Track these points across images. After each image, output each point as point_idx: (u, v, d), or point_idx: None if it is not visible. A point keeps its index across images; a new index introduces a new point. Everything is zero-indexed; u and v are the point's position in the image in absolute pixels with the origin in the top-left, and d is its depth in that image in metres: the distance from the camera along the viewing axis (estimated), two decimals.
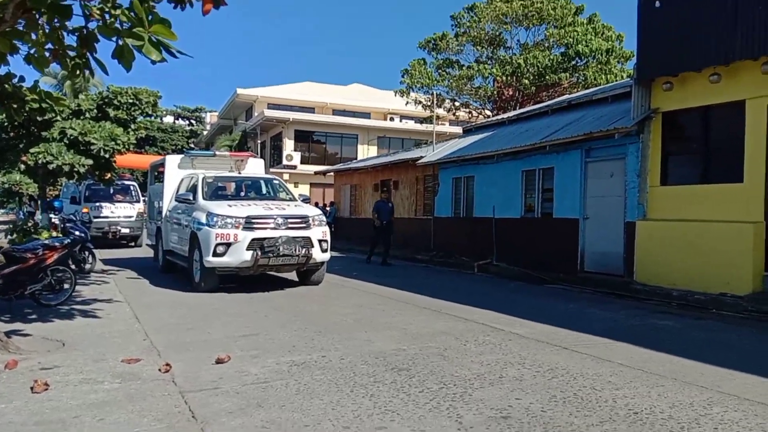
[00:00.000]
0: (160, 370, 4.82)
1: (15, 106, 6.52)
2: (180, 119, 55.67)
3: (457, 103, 29.61)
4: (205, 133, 52.80)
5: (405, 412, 3.89)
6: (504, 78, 27.00)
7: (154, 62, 4.26)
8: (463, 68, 28.36)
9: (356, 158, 31.99)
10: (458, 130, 23.13)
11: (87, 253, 11.40)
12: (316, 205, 17.36)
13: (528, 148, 13.43)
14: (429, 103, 27.88)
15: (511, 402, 4.09)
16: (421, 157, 19.02)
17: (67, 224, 10.59)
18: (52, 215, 14.22)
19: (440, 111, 29.14)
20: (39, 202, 16.16)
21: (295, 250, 9.26)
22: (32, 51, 5.54)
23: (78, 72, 5.25)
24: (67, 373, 4.73)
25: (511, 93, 27.95)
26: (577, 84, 26.27)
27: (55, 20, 4.79)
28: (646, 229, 10.33)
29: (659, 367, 5.09)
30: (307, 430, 3.55)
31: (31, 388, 4.24)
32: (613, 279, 10.78)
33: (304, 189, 30.72)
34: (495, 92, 28.31)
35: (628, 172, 10.96)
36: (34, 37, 5.17)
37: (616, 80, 23.67)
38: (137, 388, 4.38)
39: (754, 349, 6.21)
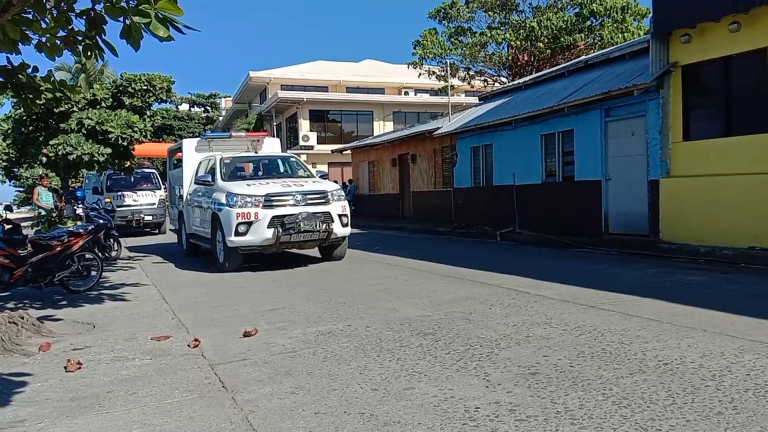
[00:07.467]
0: (189, 345, 4.89)
1: (31, 96, 6.59)
2: (195, 106, 55.91)
3: (471, 72, 29.17)
4: (220, 118, 52.99)
5: (432, 372, 3.89)
6: (518, 43, 26.45)
7: (162, 39, 4.23)
8: (476, 35, 27.81)
9: (372, 135, 31.84)
10: (474, 100, 22.87)
11: (112, 240, 11.56)
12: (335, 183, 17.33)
13: (546, 112, 13.23)
14: (443, 73, 27.50)
15: (539, 359, 4.07)
16: (438, 128, 18.86)
17: (91, 213, 10.73)
18: (76, 206, 14.43)
19: (455, 81, 28.71)
20: (62, 194, 16.38)
21: (316, 226, 9.29)
22: (43, 39, 5.58)
23: (89, 53, 5.27)
24: (98, 352, 4.83)
25: (526, 58, 27.43)
26: (594, 45, 25.64)
27: (62, 3, 4.80)
28: (670, 187, 10.16)
29: (688, 319, 5.02)
30: (336, 394, 3.57)
31: (65, 368, 4.34)
32: (638, 239, 10.63)
33: (322, 169, 30.71)
34: (510, 58, 27.81)
35: (650, 129, 10.73)
36: (44, 25, 5.20)
37: (633, 38, 23.06)
38: (168, 362, 4.45)
39: None
